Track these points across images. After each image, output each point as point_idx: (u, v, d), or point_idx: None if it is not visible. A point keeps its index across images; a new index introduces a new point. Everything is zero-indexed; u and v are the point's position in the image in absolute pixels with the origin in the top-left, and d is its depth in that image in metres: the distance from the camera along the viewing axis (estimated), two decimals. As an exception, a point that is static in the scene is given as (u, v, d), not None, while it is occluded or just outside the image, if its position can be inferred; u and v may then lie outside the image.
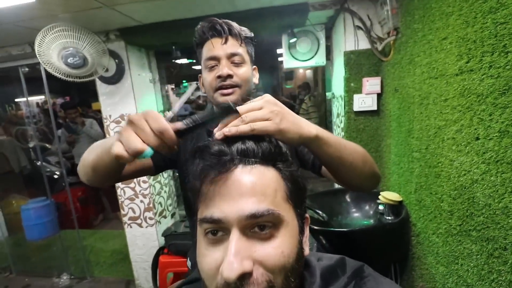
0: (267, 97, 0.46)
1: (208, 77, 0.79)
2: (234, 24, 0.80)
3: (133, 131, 0.42)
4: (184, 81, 6.12)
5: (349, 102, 1.62)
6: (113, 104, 1.90)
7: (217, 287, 0.35)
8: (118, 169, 0.62)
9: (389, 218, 1.39)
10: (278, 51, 3.94)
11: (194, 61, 3.36)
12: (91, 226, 3.35)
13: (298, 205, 0.42)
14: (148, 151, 0.41)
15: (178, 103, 0.48)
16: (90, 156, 0.60)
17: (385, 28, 1.37)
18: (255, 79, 0.87)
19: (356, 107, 1.59)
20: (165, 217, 2.22)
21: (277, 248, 0.36)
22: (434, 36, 0.97)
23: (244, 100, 0.84)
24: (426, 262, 1.17)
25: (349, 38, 1.56)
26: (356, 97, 1.57)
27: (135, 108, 1.88)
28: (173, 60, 2.67)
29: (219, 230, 0.37)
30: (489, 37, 0.71)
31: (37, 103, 6.40)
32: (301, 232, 0.42)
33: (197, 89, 0.81)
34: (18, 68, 2.13)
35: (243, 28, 0.82)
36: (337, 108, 1.89)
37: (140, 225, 2.10)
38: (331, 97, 2.06)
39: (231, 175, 0.38)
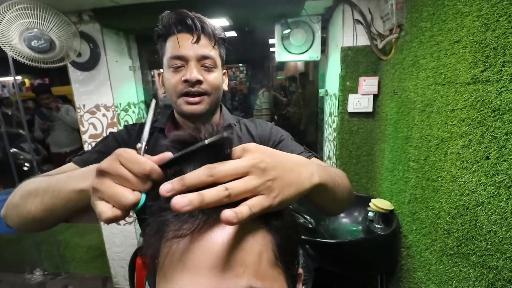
0: (253, 157, 0.31)
1: (172, 79, 0.67)
2: (208, 21, 0.68)
3: (114, 182, 0.32)
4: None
5: (343, 102, 1.53)
6: (87, 93, 1.72)
7: None
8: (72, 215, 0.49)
9: (379, 226, 1.33)
10: (270, 41, 3.78)
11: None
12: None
13: (290, 264, 0.32)
14: (143, 198, 0.32)
15: (145, 129, 0.39)
16: (29, 204, 0.46)
17: (387, 24, 1.26)
18: (225, 85, 0.77)
19: (350, 108, 1.49)
20: (145, 214, 2.10)
21: None
22: (444, 38, 0.87)
23: (211, 112, 0.72)
24: (415, 277, 1.12)
25: (348, 32, 1.44)
26: (351, 97, 1.48)
27: (112, 97, 1.72)
28: (157, 46, 2.47)
29: None
30: (514, 45, 0.62)
31: (13, 84, 6.00)
32: None
33: (157, 104, 0.70)
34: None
35: (217, 27, 0.70)
36: (330, 106, 1.79)
37: (117, 223, 1.97)
38: (324, 94, 1.95)
39: (198, 236, 0.27)
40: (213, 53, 0.68)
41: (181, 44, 0.65)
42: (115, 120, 1.75)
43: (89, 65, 1.65)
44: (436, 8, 0.91)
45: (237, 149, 0.32)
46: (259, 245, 0.29)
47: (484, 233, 0.73)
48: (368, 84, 1.42)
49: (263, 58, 5.38)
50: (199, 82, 0.66)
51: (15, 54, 1.33)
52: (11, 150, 2.47)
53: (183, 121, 0.74)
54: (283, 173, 0.32)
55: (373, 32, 1.37)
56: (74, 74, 1.69)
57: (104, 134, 1.59)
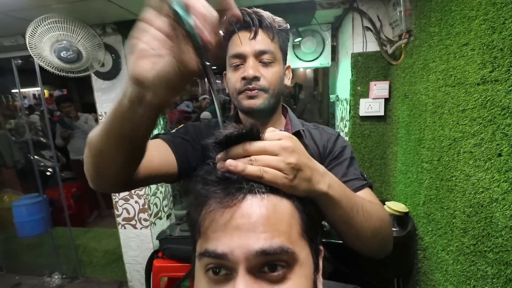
0: (286, 142, 0.37)
1: (232, 78, 0.69)
2: (266, 14, 0.67)
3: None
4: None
5: (354, 106, 1.56)
6: (109, 101, 1.82)
7: None
8: (139, 144, 0.44)
9: (394, 229, 1.33)
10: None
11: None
12: (85, 224, 3.28)
13: (314, 238, 0.37)
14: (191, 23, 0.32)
15: None
16: (95, 136, 0.44)
17: (396, 30, 1.30)
18: (287, 80, 0.75)
19: (362, 112, 1.52)
20: (160, 218, 2.15)
21: None
22: (453, 41, 0.90)
23: (271, 109, 0.71)
24: (433, 279, 1.11)
25: (357, 39, 1.49)
26: (362, 101, 1.51)
27: (132, 105, 1.80)
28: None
29: (222, 268, 0.32)
30: (520, 46, 0.64)
31: (34, 95, 6.28)
32: (316, 269, 0.37)
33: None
34: (11, 60, 2.04)
35: (277, 19, 0.69)
36: (341, 111, 1.83)
37: (134, 226, 2.03)
38: (335, 99, 1.99)
39: (239, 206, 0.32)
40: (272, 47, 0.67)
41: (239, 42, 0.65)
42: (134, 126, 1.83)
43: (111, 74, 1.75)
44: (444, 13, 0.95)
45: (275, 135, 0.37)
46: (289, 217, 0.34)
47: (499, 230, 0.74)
48: (379, 89, 1.46)
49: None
50: (256, 78, 0.65)
51: (45, 65, 1.43)
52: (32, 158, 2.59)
53: (245, 119, 0.74)
54: (303, 169, 0.37)
55: (382, 38, 1.42)
56: (97, 83, 1.80)
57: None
